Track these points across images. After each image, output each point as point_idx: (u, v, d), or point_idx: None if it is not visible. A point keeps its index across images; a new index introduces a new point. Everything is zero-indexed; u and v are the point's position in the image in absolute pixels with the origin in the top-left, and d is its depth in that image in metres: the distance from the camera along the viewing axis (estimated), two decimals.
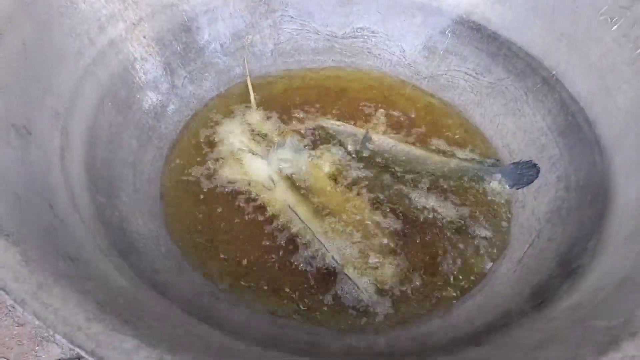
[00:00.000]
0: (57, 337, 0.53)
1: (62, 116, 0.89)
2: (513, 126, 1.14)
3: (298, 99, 1.20)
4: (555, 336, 0.66)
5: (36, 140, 0.81)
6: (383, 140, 1.12)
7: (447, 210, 1.03)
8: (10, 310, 1.46)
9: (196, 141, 1.10)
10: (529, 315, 0.76)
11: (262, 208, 1.00)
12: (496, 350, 0.67)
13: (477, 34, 1.20)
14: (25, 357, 1.31)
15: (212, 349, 0.60)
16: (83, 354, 0.52)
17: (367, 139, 1.10)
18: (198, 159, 1.07)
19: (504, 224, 1.02)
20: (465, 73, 1.22)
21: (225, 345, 0.65)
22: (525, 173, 1.06)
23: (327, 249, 0.93)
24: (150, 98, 1.09)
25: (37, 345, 1.42)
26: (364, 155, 1.10)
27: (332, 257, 0.92)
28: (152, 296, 0.72)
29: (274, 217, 0.98)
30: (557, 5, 1.09)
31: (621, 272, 0.74)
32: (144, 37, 1.10)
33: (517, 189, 1.06)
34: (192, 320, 0.70)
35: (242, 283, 0.91)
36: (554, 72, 1.08)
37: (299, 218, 0.97)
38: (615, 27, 1.00)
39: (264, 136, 1.11)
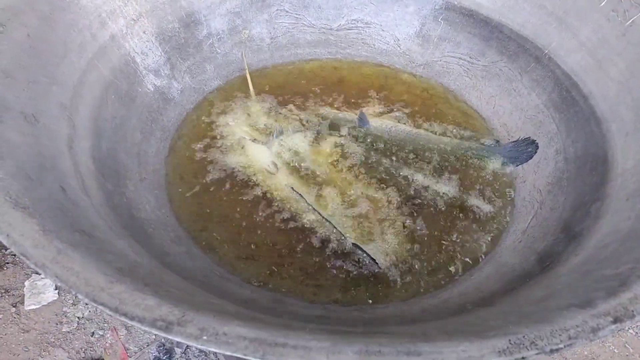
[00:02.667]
0: (80, 296, 0.54)
1: (68, 107, 0.90)
2: (510, 106, 1.16)
3: (296, 90, 1.22)
4: (565, 287, 0.67)
5: (45, 128, 0.83)
6: (382, 122, 1.14)
7: (450, 189, 1.05)
8: (15, 317, 1.46)
9: (198, 132, 1.12)
10: (537, 276, 0.77)
11: (265, 192, 1.01)
12: (507, 306, 0.68)
13: (470, 19, 1.22)
14: None
15: (230, 312, 0.61)
16: (107, 311, 0.53)
17: (362, 118, 1.12)
18: (201, 149, 1.09)
19: (507, 199, 1.04)
20: (460, 58, 1.25)
21: (242, 312, 0.66)
22: (524, 150, 1.08)
23: (334, 226, 0.94)
24: (152, 91, 1.11)
25: (44, 351, 1.41)
26: (364, 138, 1.12)
27: (341, 233, 0.93)
28: (166, 272, 0.73)
29: (277, 200, 1.00)
30: None
31: (624, 229, 0.76)
32: (144, 32, 1.11)
33: (518, 165, 1.08)
34: (206, 293, 0.71)
35: (251, 265, 0.92)
36: (546, 51, 1.11)
37: (304, 199, 0.98)
38: (603, 3, 1.03)
39: (264, 125, 1.13)
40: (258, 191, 1.01)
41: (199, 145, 1.09)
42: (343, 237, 0.94)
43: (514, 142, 1.10)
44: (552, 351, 0.51)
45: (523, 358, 0.51)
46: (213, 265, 0.92)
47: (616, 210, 0.81)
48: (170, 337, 0.52)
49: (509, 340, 0.52)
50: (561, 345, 0.52)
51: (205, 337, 0.51)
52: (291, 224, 0.96)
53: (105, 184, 0.88)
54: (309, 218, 0.97)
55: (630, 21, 0.99)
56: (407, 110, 1.19)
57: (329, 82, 1.26)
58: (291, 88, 1.23)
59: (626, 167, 0.87)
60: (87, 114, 0.94)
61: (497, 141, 1.13)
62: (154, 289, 0.57)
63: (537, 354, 0.51)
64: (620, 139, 0.92)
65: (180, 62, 1.17)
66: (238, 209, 0.99)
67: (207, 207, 1.00)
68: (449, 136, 1.14)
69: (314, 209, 0.97)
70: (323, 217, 0.96)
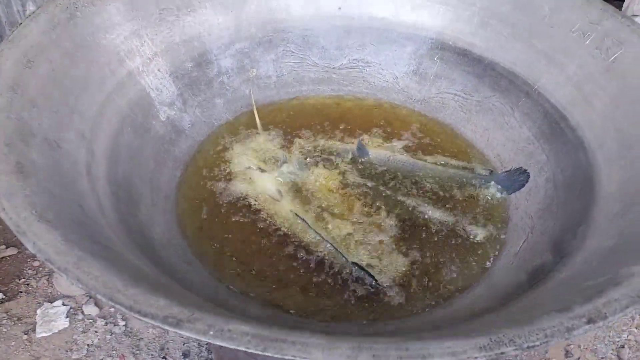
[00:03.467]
0: (98, 296, 0.59)
1: (87, 136, 0.98)
2: (502, 138, 1.22)
3: (300, 124, 1.29)
4: (549, 298, 0.72)
5: (66, 153, 0.90)
6: (380, 152, 1.20)
7: (445, 215, 1.10)
8: (26, 345, 1.50)
9: (207, 162, 1.18)
10: (526, 292, 0.81)
11: (270, 217, 1.07)
12: (495, 317, 0.73)
13: (464, 58, 1.30)
14: None
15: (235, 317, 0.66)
16: (123, 309, 0.58)
17: (361, 148, 1.19)
18: (210, 177, 1.15)
19: (500, 225, 1.09)
20: (455, 94, 1.32)
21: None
22: (516, 179, 1.13)
23: (334, 247, 0.99)
24: (165, 124, 1.18)
25: None
26: (364, 167, 1.18)
27: (341, 254, 0.98)
28: (175, 285, 0.78)
29: (281, 225, 1.05)
30: (533, 27, 1.20)
31: (607, 247, 0.80)
32: (159, 70, 1.20)
33: (510, 193, 1.13)
34: (212, 304, 0.76)
35: (256, 288, 0.97)
36: (535, 87, 1.18)
37: (306, 223, 1.04)
38: (587, 41, 1.11)
39: (270, 156, 1.20)
40: (263, 215, 1.07)
41: (208, 174, 1.16)
42: (343, 257, 0.99)
43: (507, 171, 1.16)
44: (528, 347, 0.55)
45: (502, 353, 0.55)
46: (218, 283, 0.97)
47: (600, 230, 0.86)
48: (180, 332, 0.56)
49: (490, 338, 0.57)
50: (537, 343, 0.56)
51: (212, 332, 0.56)
52: (292, 247, 1.02)
53: (120, 206, 0.94)
54: (310, 240, 1.02)
55: (613, 58, 1.06)
56: (405, 142, 1.26)
57: (331, 116, 1.33)
58: (296, 122, 1.30)
59: (610, 191, 0.92)
60: (104, 142, 1.02)
61: (491, 171, 1.18)
62: (165, 294, 0.63)
63: (514, 349, 0.55)
64: (605, 166, 0.98)
65: (192, 97, 1.25)
66: (244, 233, 1.05)
67: (214, 231, 1.05)
68: (446, 166, 1.20)
69: (315, 231, 1.02)
70: (323, 239, 1.01)
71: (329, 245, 1.01)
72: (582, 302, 0.63)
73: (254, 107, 1.30)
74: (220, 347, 1.17)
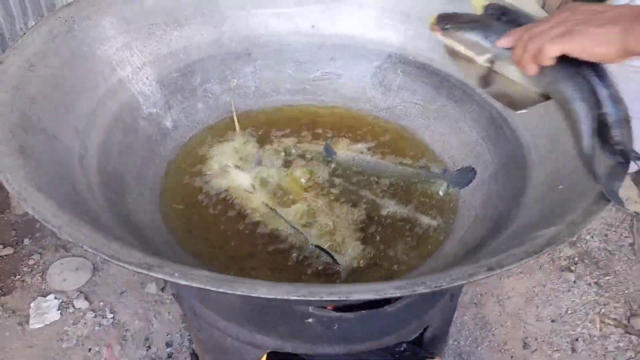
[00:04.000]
0: (85, 247, 0.71)
1: (82, 132, 1.11)
2: (456, 141, 1.36)
3: (276, 128, 1.43)
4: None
5: (62, 145, 1.03)
6: (347, 153, 1.34)
7: (402, 208, 1.23)
8: (20, 335, 1.61)
9: (189, 160, 1.32)
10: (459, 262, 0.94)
11: (243, 207, 1.20)
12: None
13: (423, 71, 1.45)
14: None
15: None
16: (104, 257, 0.70)
17: (328, 148, 1.32)
18: (191, 174, 1.28)
19: (450, 216, 1.22)
20: (416, 103, 1.46)
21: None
22: (466, 176, 1.27)
23: (299, 231, 1.12)
24: (151, 126, 1.32)
25: None
26: (331, 166, 1.31)
27: (305, 237, 1.11)
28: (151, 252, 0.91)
29: (253, 214, 1.19)
30: None
31: (529, 222, 0.94)
32: (147, 78, 1.34)
33: (460, 189, 1.27)
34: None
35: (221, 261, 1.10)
36: (483, 95, 1.32)
37: (274, 211, 1.17)
38: None
39: (246, 155, 1.33)
40: (237, 206, 1.20)
41: (189, 171, 1.29)
42: (307, 241, 1.11)
43: (458, 170, 1.30)
44: (436, 287, 0.68)
45: (415, 291, 0.67)
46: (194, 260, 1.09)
47: (527, 210, 1.00)
48: (151, 274, 0.69)
49: (407, 281, 0.69)
50: (444, 285, 0.69)
51: (177, 274, 0.69)
52: (260, 231, 1.15)
53: (108, 193, 1.07)
54: (278, 227, 1.15)
55: None
56: (370, 145, 1.39)
57: (304, 122, 1.47)
58: (272, 127, 1.44)
59: (539, 180, 1.06)
60: (97, 139, 1.15)
61: (445, 170, 1.32)
62: (141, 251, 0.75)
63: (424, 289, 0.68)
64: (536, 162, 1.12)
65: (177, 103, 1.39)
66: (220, 219, 1.18)
67: (193, 218, 1.18)
68: (405, 166, 1.34)
69: (282, 217, 1.15)
70: (290, 224, 1.14)
71: (294, 230, 1.13)
72: (488, 257, 0.76)
73: (234, 113, 1.43)
74: (200, 330, 1.29)
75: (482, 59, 0.95)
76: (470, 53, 0.97)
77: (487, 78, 0.97)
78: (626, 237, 1.96)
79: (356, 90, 1.53)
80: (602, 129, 0.82)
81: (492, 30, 0.92)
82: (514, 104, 0.96)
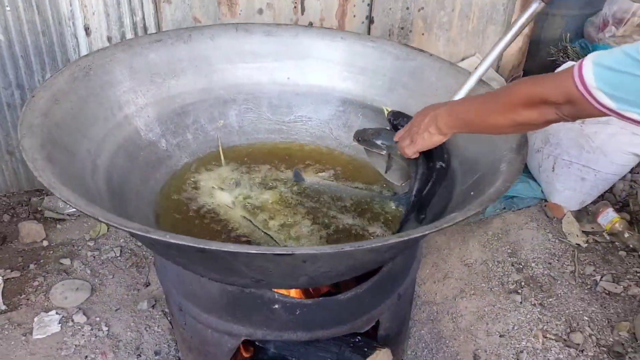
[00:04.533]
0: (85, 213, 0.96)
1: (93, 154, 1.37)
2: None
3: (255, 160, 1.70)
4: None
5: (78, 160, 1.29)
6: (313, 179, 1.61)
7: (356, 222, 1.49)
8: (24, 344, 1.81)
9: (181, 183, 1.57)
10: None
11: (224, 219, 1.45)
12: None
13: (378, 114, 1.73)
14: None
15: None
16: (101, 220, 0.95)
17: (297, 174, 1.59)
18: (182, 193, 1.54)
19: (396, 225, 1.47)
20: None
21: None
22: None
23: (271, 237, 1.37)
24: (149, 155, 1.58)
25: None
26: (299, 189, 1.58)
27: (276, 242, 1.36)
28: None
29: (230, 224, 1.43)
30: (424, 91, 1.65)
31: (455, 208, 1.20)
32: (148, 116, 1.61)
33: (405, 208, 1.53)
34: None
35: None
36: None
37: (250, 221, 1.42)
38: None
39: (229, 179, 1.60)
40: (220, 217, 1.45)
41: (180, 191, 1.55)
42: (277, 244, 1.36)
43: (405, 192, 1.56)
44: (359, 247, 0.93)
45: (342, 249, 0.92)
46: None
47: (455, 203, 1.26)
48: (149, 235, 0.93)
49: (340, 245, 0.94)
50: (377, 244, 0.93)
51: (167, 236, 0.93)
52: (238, 237, 1.40)
53: (114, 201, 1.32)
54: (252, 235, 1.40)
55: None
56: (334, 173, 1.66)
57: (280, 156, 1.74)
58: (251, 159, 1.71)
59: (460, 191, 1.33)
60: (105, 160, 1.41)
61: (395, 193, 1.58)
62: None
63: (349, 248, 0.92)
64: (459, 170, 1.40)
65: (172, 137, 1.66)
66: (203, 228, 1.42)
67: (182, 225, 1.43)
68: (361, 189, 1.60)
69: (257, 227, 1.40)
70: (263, 232, 1.39)
71: (266, 236, 1.38)
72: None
73: (220, 147, 1.71)
74: (185, 326, 1.50)
75: (383, 153, 1.56)
76: (376, 150, 1.57)
77: (388, 163, 1.56)
78: (568, 265, 2.20)
79: (324, 130, 1.81)
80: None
81: (383, 137, 1.55)
82: (402, 178, 1.56)
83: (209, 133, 1.75)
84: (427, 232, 1.01)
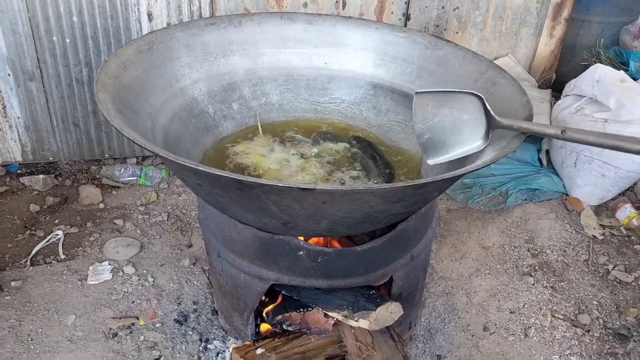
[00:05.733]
0: (159, 153, 1.17)
1: (153, 116, 1.59)
2: None
3: (291, 134, 1.90)
4: None
5: (140, 119, 1.51)
6: (327, 144, 1.81)
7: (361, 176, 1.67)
8: (80, 288, 2.05)
9: (225, 147, 1.79)
10: None
11: (259, 175, 1.65)
12: None
13: (405, 98, 1.90)
14: None
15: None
16: (172, 158, 1.15)
17: (315, 139, 1.79)
18: (224, 154, 1.75)
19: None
20: (399, 122, 1.92)
21: None
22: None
23: None
24: (199, 122, 1.80)
25: (96, 309, 1.96)
26: (317, 151, 1.78)
27: None
28: None
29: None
30: (449, 77, 1.81)
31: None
32: (200, 89, 1.84)
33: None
34: None
35: None
36: None
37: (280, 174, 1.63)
38: (478, 83, 1.71)
39: (266, 147, 1.80)
40: (256, 174, 1.66)
41: (223, 153, 1.76)
42: None
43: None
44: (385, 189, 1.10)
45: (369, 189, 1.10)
46: None
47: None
48: (198, 167, 1.13)
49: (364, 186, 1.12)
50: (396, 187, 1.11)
51: (212, 170, 1.13)
52: None
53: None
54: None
55: (490, 92, 1.65)
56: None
57: (312, 130, 1.93)
58: (286, 132, 1.91)
59: None
60: (162, 123, 1.63)
61: (390, 172, 1.76)
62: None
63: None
64: None
65: (219, 110, 1.87)
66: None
67: None
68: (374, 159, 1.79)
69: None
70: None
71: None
72: None
73: (258, 121, 1.91)
74: (222, 271, 1.70)
75: None
76: None
77: None
78: (582, 254, 2.31)
79: (354, 111, 2.00)
80: None
81: None
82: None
83: (252, 108, 1.96)
84: (429, 180, 1.18)
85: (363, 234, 1.60)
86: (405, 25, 2.69)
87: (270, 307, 1.69)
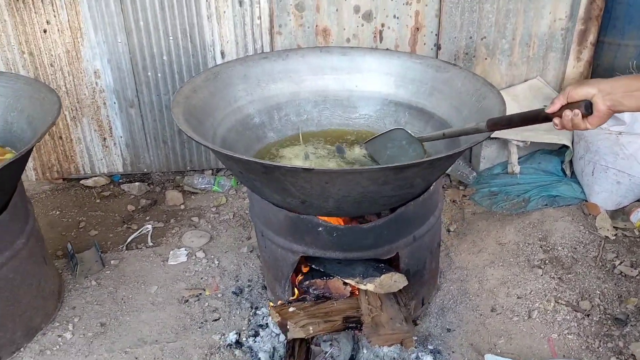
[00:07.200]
0: (216, 149, 1.66)
1: (214, 127, 2.12)
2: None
3: (324, 141, 2.35)
4: None
5: (204, 129, 2.03)
6: (352, 151, 2.23)
7: None
8: (162, 266, 2.59)
9: (270, 153, 2.27)
10: None
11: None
12: None
13: (420, 112, 2.31)
14: None
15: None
16: (228, 153, 1.65)
17: (340, 148, 2.22)
18: (270, 158, 2.23)
19: None
20: (414, 132, 2.32)
21: None
22: None
23: None
24: (252, 134, 2.30)
25: (174, 277, 2.48)
26: (342, 158, 2.21)
27: None
28: None
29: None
30: (452, 95, 2.20)
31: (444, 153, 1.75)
32: (254, 108, 2.34)
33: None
34: None
35: None
36: (449, 123, 2.15)
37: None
38: (473, 98, 2.09)
39: (302, 152, 2.27)
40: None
41: (269, 157, 2.24)
42: None
43: None
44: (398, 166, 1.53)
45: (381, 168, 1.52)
46: None
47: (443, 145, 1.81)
48: (246, 158, 1.61)
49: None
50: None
51: (245, 156, 1.60)
52: None
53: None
54: None
55: (480, 104, 2.03)
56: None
57: (342, 139, 2.38)
58: (321, 140, 2.37)
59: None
60: (221, 133, 2.14)
61: None
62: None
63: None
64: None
65: (269, 124, 2.37)
66: None
67: None
68: None
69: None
70: None
71: None
72: None
73: (300, 132, 2.39)
74: (265, 248, 2.16)
75: None
76: None
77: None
78: (592, 251, 2.55)
79: (379, 124, 2.42)
80: None
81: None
82: None
83: (295, 123, 2.44)
84: (414, 162, 1.59)
85: (372, 215, 2.01)
86: (437, 54, 3.09)
87: (301, 277, 2.13)
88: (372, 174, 1.63)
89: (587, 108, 1.28)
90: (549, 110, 1.38)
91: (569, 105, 1.34)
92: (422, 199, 1.99)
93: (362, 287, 1.96)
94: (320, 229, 1.93)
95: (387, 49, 3.02)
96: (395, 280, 1.98)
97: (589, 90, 1.29)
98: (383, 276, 1.94)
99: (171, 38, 2.94)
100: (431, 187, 2.03)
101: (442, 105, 2.24)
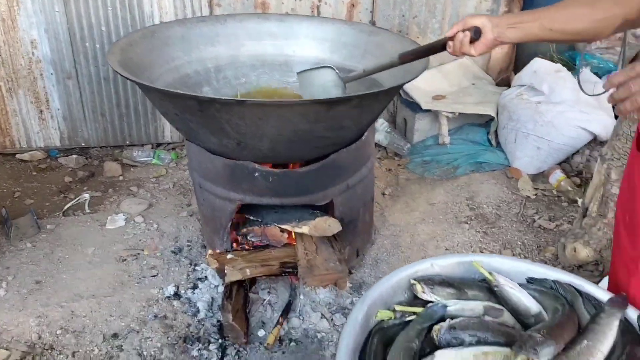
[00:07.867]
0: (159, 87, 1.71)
1: (151, 81, 2.16)
2: None
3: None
4: None
5: (146, 79, 2.07)
6: None
7: None
8: (99, 230, 2.58)
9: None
10: None
11: None
12: None
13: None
14: None
15: None
16: (174, 93, 1.69)
17: None
18: None
19: None
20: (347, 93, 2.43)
21: None
22: None
23: None
24: (190, 90, 2.35)
25: (111, 244, 2.49)
26: None
27: None
28: None
29: None
30: (383, 56, 2.33)
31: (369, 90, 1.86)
32: (192, 68, 2.40)
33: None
34: None
35: None
36: (379, 81, 2.27)
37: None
38: None
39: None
40: None
41: None
42: None
43: None
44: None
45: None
46: None
47: None
48: (165, 92, 1.66)
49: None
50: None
51: (182, 90, 1.66)
52: None
53: None
54: None
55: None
56: None
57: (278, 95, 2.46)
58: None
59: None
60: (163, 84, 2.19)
61: None
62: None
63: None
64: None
65: (207, 85, 2.43)
66: None
67: None
68: None
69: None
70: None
71: None
72: None
73: (238, 93, 2.46)
74: (203, 200, 2.21)
75: None
76: None
77: None
78: (514, 209, 2.73)
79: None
80: None
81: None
82: None
83: (233, 86, 2.50)
84: (340, 97, 1.68)
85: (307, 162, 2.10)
86: None
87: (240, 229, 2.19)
88: (304, 107, 1.72)
89: (477, 33, 1.41)
90: (447, 34, 1.52)
91: (464, 31, 1.48)
92: (354, 147, 2.09)
93: (297, 230, 2.04)
94: (257, 174, 1.99)
95: (324, 17, 3.14)
96: (329, 225, 2.07)
97: (482, 20, 1.42)
98: (318, 219, 2.03)
99: (110, 8, 2.95)
100: (363, 137, 2.13)
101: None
